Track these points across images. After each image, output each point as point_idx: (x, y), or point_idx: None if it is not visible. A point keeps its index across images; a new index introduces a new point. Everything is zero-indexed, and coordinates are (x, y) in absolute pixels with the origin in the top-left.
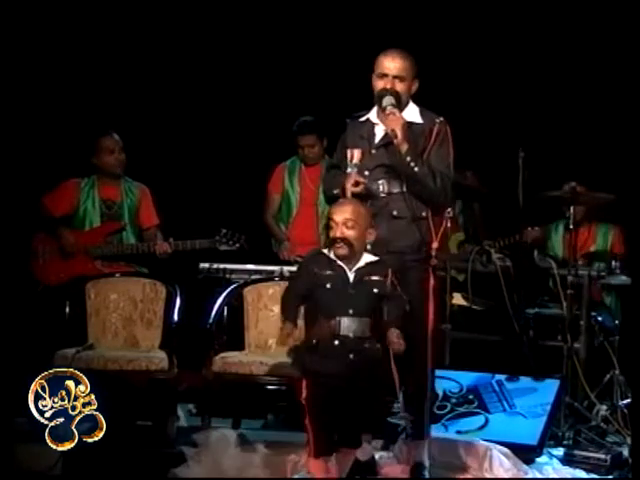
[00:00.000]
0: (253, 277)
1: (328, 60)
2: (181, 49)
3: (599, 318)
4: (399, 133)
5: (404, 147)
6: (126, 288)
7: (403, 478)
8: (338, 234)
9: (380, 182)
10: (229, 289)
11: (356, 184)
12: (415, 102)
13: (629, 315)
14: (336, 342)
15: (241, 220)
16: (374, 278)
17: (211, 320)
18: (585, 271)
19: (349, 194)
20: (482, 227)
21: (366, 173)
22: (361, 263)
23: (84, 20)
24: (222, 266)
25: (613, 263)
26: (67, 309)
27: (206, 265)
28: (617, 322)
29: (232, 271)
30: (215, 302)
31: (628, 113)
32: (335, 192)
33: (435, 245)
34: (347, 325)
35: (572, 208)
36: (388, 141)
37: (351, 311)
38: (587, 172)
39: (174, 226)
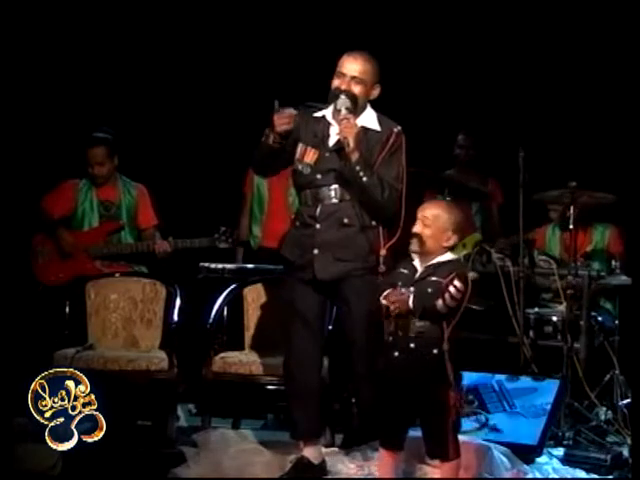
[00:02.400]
0: (253, 277)
1: (323, 61)
2: (179, 49)
3: (599, 318)
4: (351, 141)
5: (355, 156)
6: (126, 288)
7: (371, 478)
8: (415, 229)
9: (332, 188)
10: (229, 289)
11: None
12: (383, 106)
13: (629, 315)
14: (390, 339)
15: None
16: (432, 278)
17: (211, 320)
18: (585, 271)
19: (279, 126)
20: (499, 232)
21: (318, 177)
22: (429, 263)
23: (81, 21)
24: (222, 266)
25: (613, 263)
26: (67, 309)
27: (206, 265)
28: (617, 322)
29: (232, 271)
30: (215, 302)
31: (628, 113)
32: (263, 138)
33: (383, 252)
34: (397, 323)
35: (572, 208)
36: (342, 146)
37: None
38: (587, 172)
39: (173, 225)
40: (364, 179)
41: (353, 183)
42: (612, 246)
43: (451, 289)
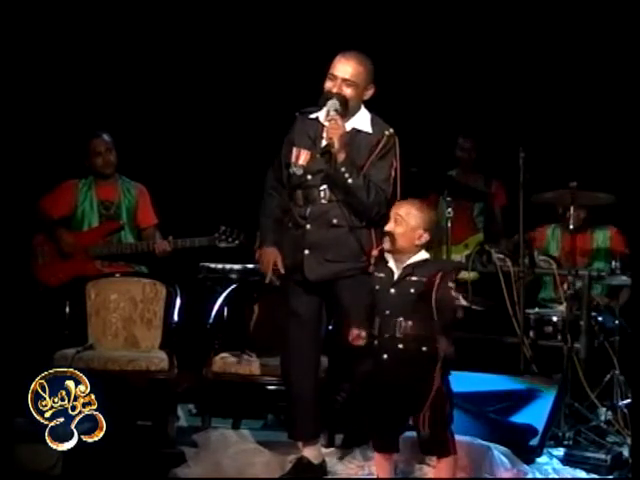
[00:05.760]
0: (253, 277)
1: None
2: (178, 48)
3: (599, 318)
4: (336, 142)
5: (341, 157)
6: (126, 288)
7: (371, 478)
8: (387, 228)
9: (322, 188)
10: (229, 289)
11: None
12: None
13: (629, 315)
14: (375, 342)
15: (240, 217)
16: (414, 278)
17: (211, 320)
18: (585, 271)
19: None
20: (502, 233)
21: (309, 177)
22: (406, 263)
23: (79, 21)
24: (222, 266)
25: (613, 263)
26: (67, 309)
27: (206, 264)
28: (617, 322)
29: (232, 271)
30: (215, 302)
31: (628, 114)
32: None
33: (375, 253)
34: (381, 325)
35: (572, 209)
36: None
37: (388, 312)
38: (587, 173)
39: (173, 224)
40: (349, 180)
41: (338, 184)
42: (615, 246)
43: (454, 294)
